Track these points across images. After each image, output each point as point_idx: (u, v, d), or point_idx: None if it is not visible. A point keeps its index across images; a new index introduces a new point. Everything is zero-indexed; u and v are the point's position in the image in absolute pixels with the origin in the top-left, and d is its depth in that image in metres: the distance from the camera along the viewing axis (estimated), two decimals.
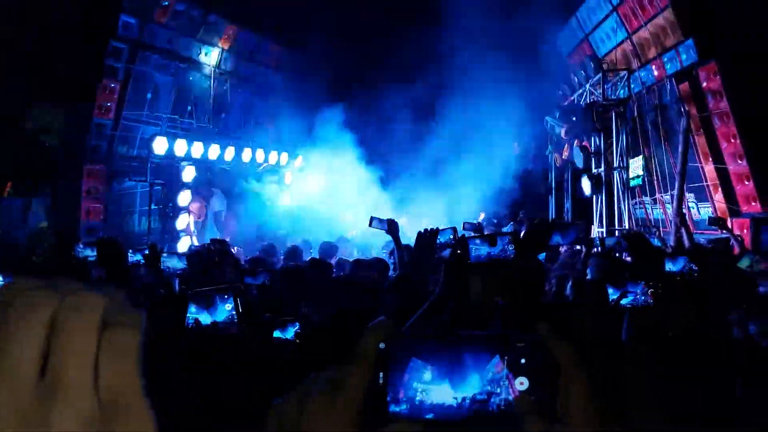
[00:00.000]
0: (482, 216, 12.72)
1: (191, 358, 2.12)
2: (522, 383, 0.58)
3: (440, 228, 4.77)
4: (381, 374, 0.59)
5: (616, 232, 11.70)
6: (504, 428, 0.58)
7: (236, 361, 2.18)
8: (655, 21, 10.99)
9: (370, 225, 5.39)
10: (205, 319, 2.27)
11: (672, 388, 1.90)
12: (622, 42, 12.38)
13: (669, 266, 3.88)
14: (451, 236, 5.02)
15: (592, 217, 12.58)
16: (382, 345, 0.59)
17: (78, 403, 0.38)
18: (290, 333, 2.40)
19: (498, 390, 0.58)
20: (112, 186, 11.93)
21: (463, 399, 0.58)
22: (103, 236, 11.22)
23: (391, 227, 4.87)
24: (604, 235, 11.15)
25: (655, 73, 11.42)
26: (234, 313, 2.30)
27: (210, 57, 13.60)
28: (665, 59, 10.96)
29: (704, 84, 10.02)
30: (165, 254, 5.14)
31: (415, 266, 3.54)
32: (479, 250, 3.55)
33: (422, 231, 3.69)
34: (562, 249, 6.00)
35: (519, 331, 0.61)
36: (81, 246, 5.36)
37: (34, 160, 19.73)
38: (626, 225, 12.03)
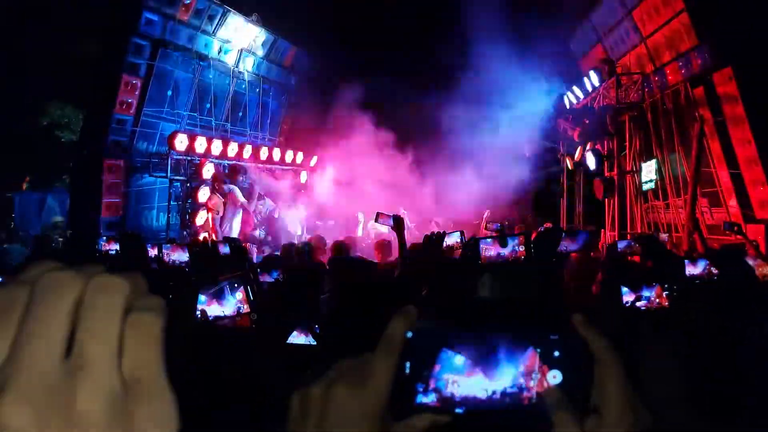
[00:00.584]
0: (487, 213, 12.72)
1: (195, 353, 2.09)
2: (555, 377, 0.57)
3: (447, 232, 4.85)
4: (408, 363, 0.58)
5: (628, 236, 11.66)
6: (535, 422, 0.57)
7: (246, 358, 2.12)
8: (669, 25, 10.95)
9: (376, 220, 5.48)
10: (213, 310, 2.17)
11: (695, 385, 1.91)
12: (636, 46, 12.34)
13: (689, 269, 3.88)
14: (459, 239, 5.07)
15: (604, 220, 12.54)
16: (409, 333, 0.58)
17: (102, 382, 0.39)
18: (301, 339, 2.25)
19: (531, 383, 0.57)
20: (131, 181, 12.05)
21: (494, 392, 0.58)
22: (126, 230, 11.41)
23: (397, 223, 4.90)
24: (616, 239, 11.12)
25: (670, 77, 11.37)
26: (242, 305, 2.20)
27: (229, 55, 13.79)
28: (680, 63, 10.92)
29: (719, 88, 9.98)
30: (168, 246, 5.12)
31: (419, 266, 3.57)
32: (489, 251, 3.58)
33: (430, 234, 3.72)
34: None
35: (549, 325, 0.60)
36: (104, 239, 5.39)
37: (51, 155, 20.00)
38: (638, 229, 11.99)
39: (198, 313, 2.10)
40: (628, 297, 3.03)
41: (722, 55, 9.81)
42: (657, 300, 3.04)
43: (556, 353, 0.58)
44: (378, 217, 5.38)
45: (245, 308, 2.17)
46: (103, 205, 11.45)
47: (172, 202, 12.08)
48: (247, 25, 13.71)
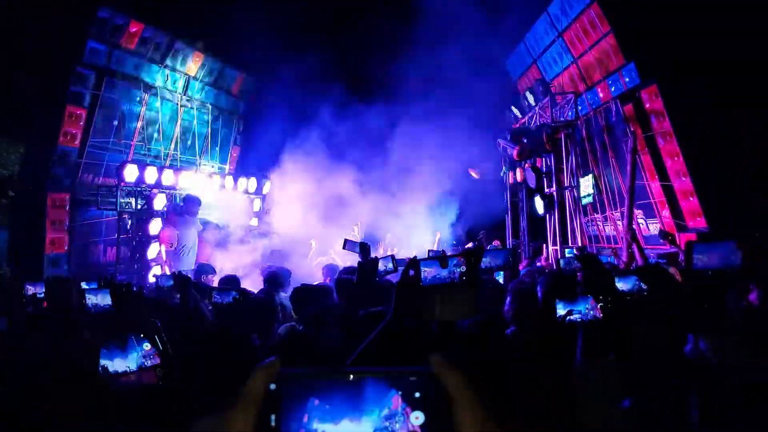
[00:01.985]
0: (438, 236, 12.86)
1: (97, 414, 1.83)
2: (417, 417, 0.57)
3: (379, 257, 4.86)
4: (273, 416, 0.56)
5: (567, 251, 11.97)
6: None
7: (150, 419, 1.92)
8: (598, 45, 11.43)
9: (343, 247, 5.45)
10: (117, 366, 1.93)
11: (630, 404, 1.93)
12: (568, 66, 12.82)
13: (620, 285, 3.98)
14: (391, 264, 5.10)
15: (546, 235, 12.83)
16: (272, 386, 0.57)
17: None
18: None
19: (396, 426, 0.57)
20: (76, 215, 11.57)
21: None
22: (71, 267, 10.88)
23: (363, 250, 4.89)
24: (559, 254, 11.39)
25: (601, 95, 11.84)
26: (146, 360, 1.96)
27: (176, 84, 13.64)
28: (609, 82, 11.39)
29: (647, 105, 10.43)
30: (92, 291, 4.55)
31: (355, 298, 3.54)
32: (429, 272, 3.57)
33: (362, 262, 3.71)
34: (522, 269, 6.10)
35: (415, 365, 0.60)
36: (29, 284, 5.06)
37: None
38: (579, 242, 12.30)
39: (100, 368, 1.90)
40: (561, 311, 3.08)
41: (648, 73, 10.30)
42: (591, 312, 3.08)
43: (417, 394, 0.58)
44: (345, 243, 5.36)
45: (150, 362, 1.98)
46: (47, 241, 10.97)
47: (121, 236, 11.63)
48: (194, 54, 13.58)
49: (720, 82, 8.59)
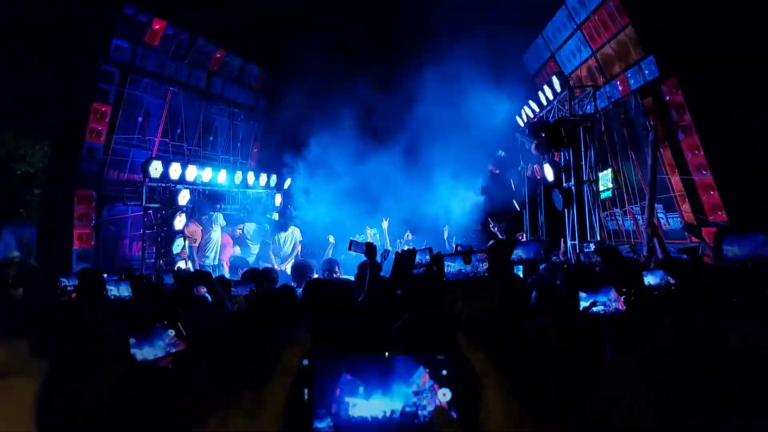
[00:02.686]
0: (446, 230, 12.87)
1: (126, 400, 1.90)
2: (444, 394, 0.61)
3: (417, 249, 4.89)
4: (306, 390, 0.60)
5: (585, 246, 11.91)
6: None
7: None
8: (617, 38, 11.32)
9: (349, 249, 5.48)
10: (146, 354, 1.99)
11: (659, 399, 1.94)
12: (587, 59, 12.71)
13: (648, 279, 3.96)
14: (428, 256, 5.13)
15: (565, 230, 12.77)
16: (305, 361, 0.61)
17: None
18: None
19: (424, 402, 0.61)
20: (102, 211, 11.77)
21: (392, 411, 0.60)
22: (98, 262, 11.07)
23: (369, 250, 4.92)
24: (578, 249, 11.35)
25: (620, 88, 11.73)
26: (171, 347, 2.03)
27: (199, 80, 13.79)
28: (629, 75, 11.28)
29: (667, 98, 10.33)
30: (112, 282, 4.81)
31: (393, 284, 3.57)
32: (451, 267, 3.63)
33: (400, 251, 3.74)
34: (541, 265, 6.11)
35: (443, 346, 0.63)
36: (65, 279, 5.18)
37: (5, 188, 19.42)
38: (598, 237, 12.24)
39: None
40: (584, 302, 3.07)
41: (668, 66, 10.18)
42: (614, 304, 3.08)
43: (444, 372, 0.61)
44: (350, 245, 5.41)
45: (176, 348, 2.05)
46: (75, 236, 11.17)
47: (146, 231, 11.81)
48: (216, 50, 13.71)
49: (741, 74, 8.48)
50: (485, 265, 3.65)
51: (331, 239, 12.44)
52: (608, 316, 3.04)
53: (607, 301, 3.09)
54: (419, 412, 0.61)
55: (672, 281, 4.04)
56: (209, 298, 4.56)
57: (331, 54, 12.85)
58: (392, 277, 3.63)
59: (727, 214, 9.63)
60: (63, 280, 5.21)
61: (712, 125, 9.67)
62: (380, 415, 0.60)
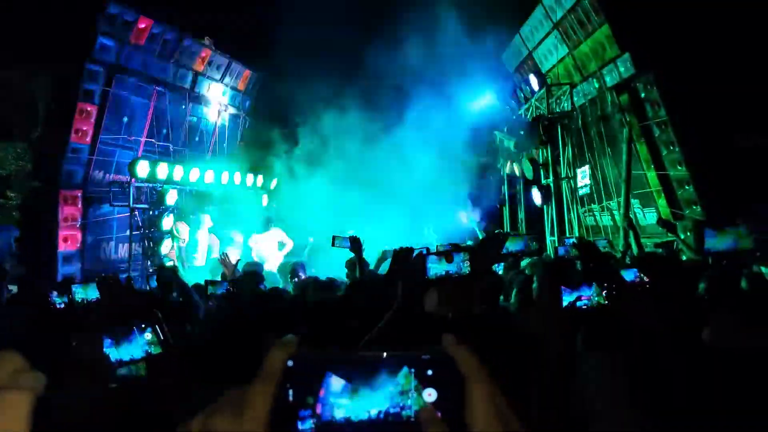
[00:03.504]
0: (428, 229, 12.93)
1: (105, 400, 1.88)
2: (430, 394, 0.60)
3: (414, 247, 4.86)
4: (291, 391, 0.59)
5: (566, 241, 12.03)
6: None
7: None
8: (593, 36, 11.46)
9: (333, 245, 5.45)
10: (122, 353, 1.93)
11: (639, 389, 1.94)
12: (563, 57, 12.85)
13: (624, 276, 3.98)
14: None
15: (545, 226, 12.90)
16: (290, 362, 0.60)
17: None
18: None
19: (408, 402, 0.60)
20: (87, 212, 11.55)
21: (376, 412, 0.59)
22: (84, 264, 10.74)
23: (354, 245, 4.90)
24: (556, 244, 11.46)
25: (596, 85, 11.89)
26: (150, 347, 1.97)
27: (185, 80, 13.63)
28: (605, 72, 11.43)
29: (642, 95, 10.48)
30: (78, 284, 4.67)
31: (389, 283, 3.55)
32: (435, 268, 3.62)
33: (398, 249, 3.72)
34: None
35: (426, 345, 0.62)
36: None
37: None
38: (576, 233, 12.37)
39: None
40: (567, 297, 3.07)
41: (644, 62, 10.32)
42: (596, 299, 3.09)
43: (429, 372, 0.60)
44: (334, 240, 5.38)
45: (155, 350, 1.98)
46: (60, 238, 10.94)
47: (133, 232, 11.61)
48: (202, 49, 13.58)
49: (716, 70, 8.64)
50: (468, 264, 3.63)
51: (311, 240, 12.37)
52: (592, 310, 3.04)
53: (592, 296, 3.10)
54: (403, 412, 0.60)
55: (646, 279, 4.07)
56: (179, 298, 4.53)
57: (316, 54, 12.81)
58: (389, 275, 3.61)
59: (703, 209, 9.80)
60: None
61: (687, 121, 9.82)
62: (364, 416, 0.60)
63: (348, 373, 0.60)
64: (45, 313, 4.35)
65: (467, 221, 12.52)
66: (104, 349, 1.90)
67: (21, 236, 11.46)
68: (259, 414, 0.57)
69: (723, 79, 8.64)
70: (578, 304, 3.07)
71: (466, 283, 3.08)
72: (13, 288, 5.76)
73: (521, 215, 14.80)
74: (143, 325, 1.99)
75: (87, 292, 4.36)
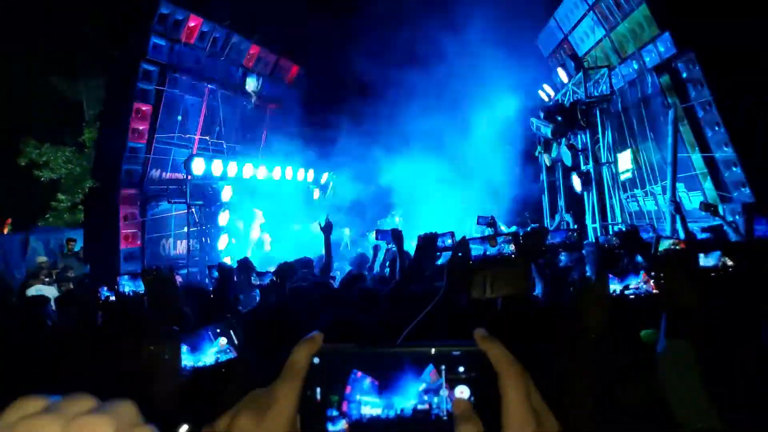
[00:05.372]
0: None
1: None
2: (462, 392, 0.58)
3: (439, 232, 4.84)
4: (318, 389, 0.58)
5: (609, 228, 11.80)
6: None
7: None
8: (630, 17, 11.14)
9: (375, 238, 5.49)
10: (188, 360, 1.88)
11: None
12: (600, 39, 12.53)
13: (703, 261, 3.83)
14: (450, 240, 5.09)
15: (585, 213, 12.65)
16: (316, 360, 0.59)
17: None
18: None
19: (435, 400, 0.58)
20: (146, 211, 11.73)
21: (402, 410, 0.58)
22: (145, 262, 11.03)
23: (395, 237, 4.90)
24: (598, 231, 11.24)
25: (636, 67, 11.56)
26: (222, 354, 1.93)
27: (235, 77, 13.83)
28: (644, 53, 11.10)
29: (684, 75, 10.15)
30: (125, 275, 4.77)
31: (414, 270, 3.54)
32: (478, 250, 3.61)
33: (422, 235, 3.67)
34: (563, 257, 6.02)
35: (459, 339, 0.61)
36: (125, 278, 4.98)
37: (30, 195, 19.81)
38: (619, 219, 12.10)
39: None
40: (615, 286, 3.01)
41: (684, 41, 9.98)
42: (645, 286, 3.02)
43: (461, 368, 0.59)
44: (376, 234, 5.41)
45: (226, 357, 1.94)
46: (121, 237, 11.12)
47: (191, 228, 11.78)
48: (250, 45, 13.74)
49: (760, 44, 8.28)
50: (511, 247, 3.61)
51: (347, 231, 12.44)
52: (641, 299, 2.97)
53: (641, 286, 3.02)
54: (432, 410, 0.59)
55: (730, 263, 3.91)
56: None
57: (360, 48, 12.83)
58: (416, 261, 3.58)
59: (752, 190, 9.45)
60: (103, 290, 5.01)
61: (732, 99, 9.46)
62: (392, 414, 0.59)
63: (375, 370, 0.59)
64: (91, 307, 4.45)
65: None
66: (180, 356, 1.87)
67: (85, 236, 11.80)
68: (283, 413, 0.56)
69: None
70: (626, 293, 3.01)
71: (514, 266, 3.03)
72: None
73: (561, 203, 14.55)
74: (218, 331, 1.96)
75: (136, 285, 4.50)
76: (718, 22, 8.82)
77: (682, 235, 6.85)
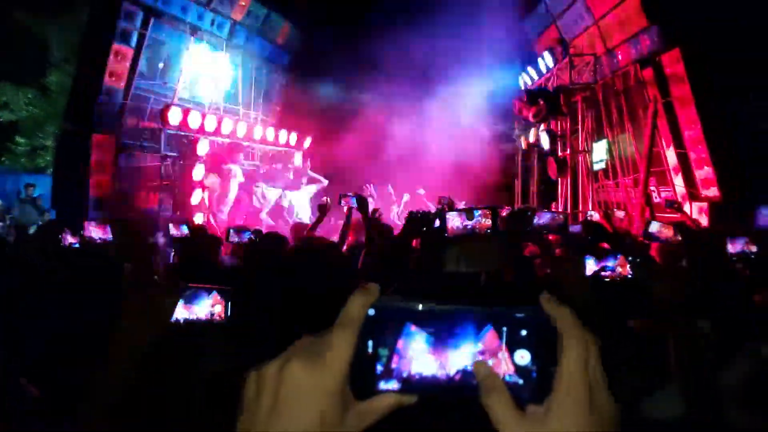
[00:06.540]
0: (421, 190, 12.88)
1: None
2: (523, 356, 0.56)
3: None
4: (370, 342, 0.56)
5: (580, 215, 11.98)
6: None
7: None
8: (620, 7, 11.16)
9: (339, 203, 5.38)
10: (181, 313, 1.83)
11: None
12: (588, 27, 12.54)
13: (728, 247, 3.85)
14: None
15: (558, 199, 12.81)
16: (371, 311, 0.57)
17: None
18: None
19: (492, 362, 0.56)
20: (119, 159, 11.25)
21: (456, 371, 0.56)
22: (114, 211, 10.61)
23: (360, 203, 4.83)
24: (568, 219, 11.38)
25: (620, 58, 11.62)
26: (214, 311, 1.86)
27: (222, 29, 13.32)
28: (630, 45, 11.16)
29: (668, 70, 10.25)
30: (92, 222, 4.53)
31: (402, 246, 3.51)
32: (454, 221, 3.57)
33: (414, 212, 3.64)
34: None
35: (514, 302, 0.58)
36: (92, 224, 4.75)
37: None
38: (590, 207, 12.29)
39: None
40: (592, 266, 3.05)
41: (671, 36, 10.07)
42: (620, 269, 3.07)
43: (523, 332, 0.56)
44: (340, 198, 5.31)
45: (218, 316, 1.85)
46: (92, 183, 10.57)
47: (163, 182, 11.41)
48: None
49: (746, 51, 8.41)
50: (488, 221, 3.58)
51: (326, 200, 12.32)
52: (615, 282, 3.02)
53: (614, 267, 3.07)
54: None
55: (754, 249, 3.95)
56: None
57: (355, 10, 12.55)
58: (404, 236, 3.54)
59: (720, 190, 9.68)
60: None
61: (712, 100, 9.62)
62: (443, 374, 0.56)
63: (430, 326, 0.56)
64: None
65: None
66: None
67: (54, 181, 11.34)
68: (338, 363, 0.54)
69: (752, 61, 8.42)
70: (602, 273, 3.05)
71: (489, 238, 3.01)
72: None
73: (533, 187, 14.70)
74: (209, 287, 1.89)
75: (105, 234, 4.33)
76: (707, 22, 8.91)
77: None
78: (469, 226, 3.61)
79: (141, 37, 11.14)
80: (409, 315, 0.57)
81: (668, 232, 4.76)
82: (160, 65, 12.05)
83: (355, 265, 3.89)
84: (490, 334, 0.56)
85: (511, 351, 0.56)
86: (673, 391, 1.95)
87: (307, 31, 15.12)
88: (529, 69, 14.05)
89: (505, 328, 0.56)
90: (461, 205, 11.70)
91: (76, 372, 1.66)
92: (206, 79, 13.11)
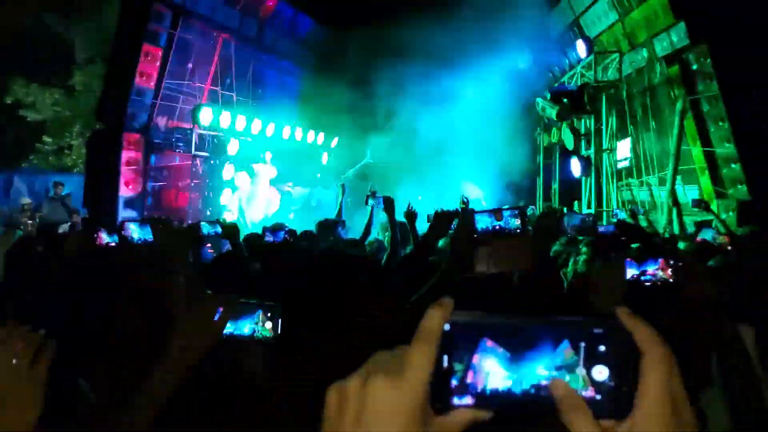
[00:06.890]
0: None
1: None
2: (601, 372, 0.55)
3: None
4: (446, 357, 0.56)
5: (604, 215, 11.85)
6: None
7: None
8: (646, 3, 11.02)
9: (366, 203, 5.34)
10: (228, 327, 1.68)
11: None
12: (613, 24, 12.40)
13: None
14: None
15: (581, 198, 12.69)
16: (447, 326, 0.56)
17: None
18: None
19: (568, 378, 0.55)
20: (150, 159, 11.36)
21: (531, 386, 0.55)
22: (146, 210, 10.72)
23: (387, 205, 4.79)
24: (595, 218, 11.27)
25: (645, 55, 11.48)
26: (259, 330, 1.75)
27: (250, 29, 13.43)
28: (656, 41, 11.02)
29: (695, 67, 10.10)
30: (133, 221, 4.31)
31: (430, 247, 3.47)
32: (482, 221, 3.53)
33: (439, 211, 3.58)
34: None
35: (589, 316, 0.57)
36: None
37: (16, 135, 19.35)
38: (614, 207, 12.16)
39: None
40: (632, 271, 2.98)
41: (698, 32, 9.92)
42: (661, 274, 2.99)
43: (601, 347, 0.55)
44: (367, 199, 5.27)
45: (262, 332, 1.76)
46: (122, 182, 10.71)
47: (193, 181, 11.53)
48: None
49: None
50: (517, 221, 3.54)
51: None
52: (657, 286, 2.95)
53: (654, 271, 3.00)
54: None
55: None
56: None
57: (383, 12, 12.54)
58: (429, 237, 3.48)
59: (748, 188, 9.52)
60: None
61: (739, 96, 9.46)
62: (520, 389, 0.55)
63: (506, 341, 0.56)
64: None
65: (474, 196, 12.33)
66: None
67: (85, 180, 11.44)
68: (421, 379, 0.54)
69: None
70: (642, 278, 2.99)
71: (522, 239, 2.97)
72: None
73: (555, 186, 14.57)
74: (267, 313, 1.80)
75: (144, 233, 4.34)
76: (734, 18, 8.76)
77: (676, 227, 6.90)
78: (497, 225, 3.57)
79: (170, 37, 11.20)
80: (485, 329, 0.56)
81: (722, 239, 4.64)
82: (190, 65, 12.12)
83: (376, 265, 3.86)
84: (566, 350, 0.55)
85: (589, 367, 0.55)
86: (716, 397, 1.92)
87: (334, 30, 15.13)
88: (553, 66, 13.92)
89: (582, 344, 0.55)
90: (480, 196, 11.64)
91: (75, 372, 1.68)
92: (234, 79, 13.17)
